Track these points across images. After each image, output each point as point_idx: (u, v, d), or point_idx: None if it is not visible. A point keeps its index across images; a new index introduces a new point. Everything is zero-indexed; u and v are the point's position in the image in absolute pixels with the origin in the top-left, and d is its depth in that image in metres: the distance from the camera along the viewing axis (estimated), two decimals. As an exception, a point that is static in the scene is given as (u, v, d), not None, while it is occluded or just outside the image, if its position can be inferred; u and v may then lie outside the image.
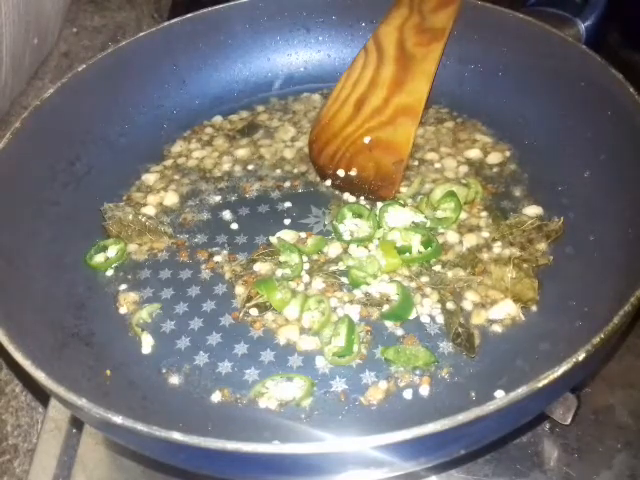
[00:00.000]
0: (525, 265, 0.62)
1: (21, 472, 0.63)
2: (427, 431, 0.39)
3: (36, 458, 0.59)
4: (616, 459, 0.56)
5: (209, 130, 0.81)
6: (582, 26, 0.73)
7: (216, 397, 0.56)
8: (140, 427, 0.40)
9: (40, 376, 0.45)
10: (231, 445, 0.39)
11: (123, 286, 0.66)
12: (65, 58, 0.95)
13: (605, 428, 0.58)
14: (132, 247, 0.69)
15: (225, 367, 0.58)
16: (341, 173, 0.73)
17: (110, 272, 0.67)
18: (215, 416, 0.55)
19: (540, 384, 0.40)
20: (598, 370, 0.61)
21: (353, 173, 0.73)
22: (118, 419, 0.41)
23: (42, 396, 0.68)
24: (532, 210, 0.67)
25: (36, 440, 0.61)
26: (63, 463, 0.59)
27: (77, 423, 0.61)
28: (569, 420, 0.54)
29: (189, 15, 0.82)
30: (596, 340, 0.42)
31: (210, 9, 0.82)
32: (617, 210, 0.61)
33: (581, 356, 0.41)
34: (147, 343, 0.61)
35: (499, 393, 0.52)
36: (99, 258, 0.67)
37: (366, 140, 0.74)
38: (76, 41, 0.98)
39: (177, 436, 0.40)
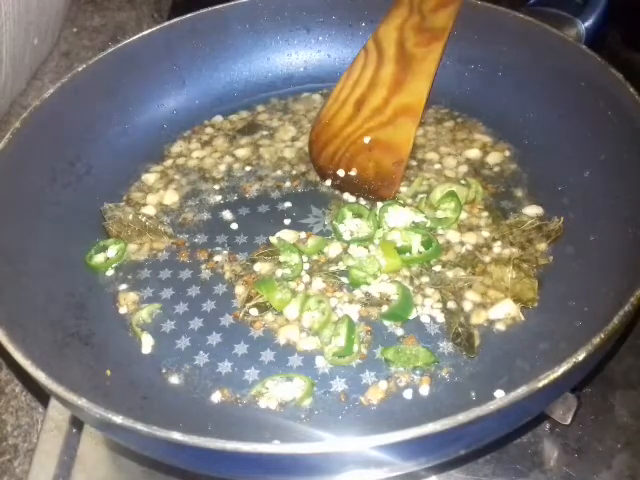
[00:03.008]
0: (525, 265, 0.62)
1: (21, 472, 0.63)
2: (427, 431, 0.39)
3: (36, 458, 0.59)
4: (616, 459, 0.56)
5: (209, 130, 0.81)
6: (582, 26, 0.73)
7: (216, 397, 0.56)
8: (140, 427, 0.40)
9: (40, 376, 0.45)
10: (231, 445, 0.39)
11: (123, 286, 0.66)
12: (65, 58, 0.95)
13: (605, 428, 0.58)
14: (132, 247, 0.69)
15: (225, 367, 0.58)
16: (341, 173, 0.73)
17: (110, 272, 0.67)
18: (215, 416, 0.55)
19: (540, 384, 0.40)
20: (598, 370, 0.61)
21: (353, 173, 0.73)
22: (118, 419, 0.41)
23: (42, 396, 0.68)
24: (532, 210, 0.67)
25: (36, 440, 0.61)
26: (63, 463, 0.59)
27: (77, 423, 0.61)
28: (569, 420, 0.54)
29: (189, 15, 0.82)
30: (596, 340, 0.42)
31: (210, 9, 0.82)
32: (617, 210, 0.61)
33: (581, 356, 0.41)
34: (147, 343, 0.60)
35: (499, 393, 0.52)
36: (99, 258, 0.67)
37: (366, 140, 0.74)
38: (76, 41, 0.99)
39: (177, 436, 0.40)
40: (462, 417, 0.39)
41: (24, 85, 0.88)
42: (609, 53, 0.73)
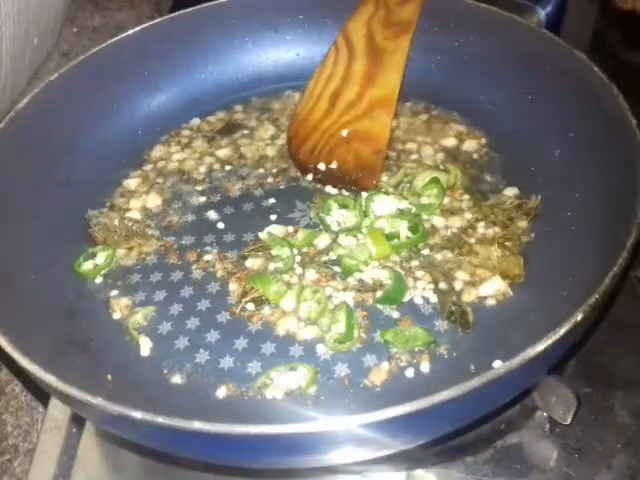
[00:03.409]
0: (509, 243, 0.65)
1: (21, 472, 0.62)
2: (442, 398, 0.40)
3: (36, 458, 0.58)
4: (616, 459, 0.56)
5: (186, 132, 0.81)
6: (542, 12, 0.77)
7: (221, 392, 0.56)
8: (162, 420, 0.41)
9: (51, 379, 0.45)
10: (253, 429, 0.40)
11: (114, 292, 0.65)
12: (65, 58, 0.94)
13: (605, 428, 0.58)
14: (120, 252, 0.68)
15: (227, 362, 0.59)
16: (322, 167, 0.74)
17: (99, 279, 0.66)
18: (223, 410, 0.55)
19: (543, 345, 0.42)
20: (580, 345, 0.63)
21: (334, 166, 0.74)
22: (138, 414, 0.41)
23: (42, 396, 0.67)
24: (510, 191, 0.69)
25: (36, 440, 0.60)
26: (63, 463, 0.58)
27: (77, 423, 0.60)
28: (569, 420, 0.55)
29: (158, 20, 0.82)
30: (592, 300, 0.45)
31: (179, 13, 0.82)
32: (590, 184, 0.64)
33: (579, 316, 0.44)
34: (145, 346, 0.60)
35: (497, 363, 0.54)
36: (88, 265, 0.67)
37: (344, 133, 0.76)
38: (76, 41, 0.98)
39: (198, 425, 0.40)
40: (474, 382, 0.40)
41: (24, 85, 0.87)
42: (609, 53, 0.75)
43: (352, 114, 0.77)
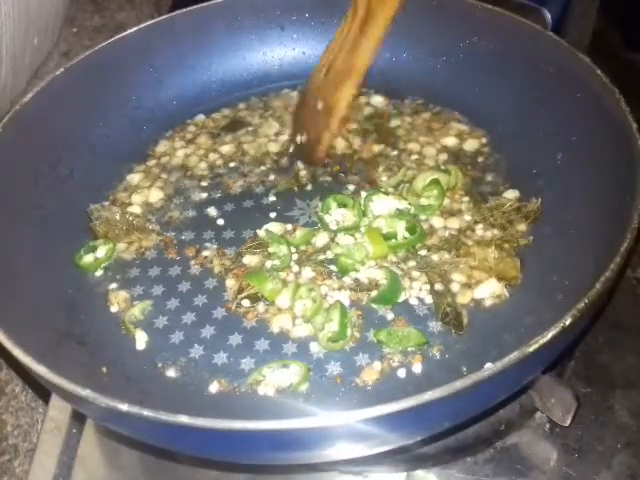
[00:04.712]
0: (506, 245, 0.64)
1: (21, 472, 0.63)
2: (427, 398, 0.40)
3: (36, 458, 0.59)
4: (616, 459, 0.56)
5: (191, 128, 0.82)
6: (548, 15, 0.76)
7: (214, 387, 0.57)
8: (147, 413, 0.41)
9: (42, 371, 0.45)
10: (237, 424, 0.40)
11: (113, 285, 0.66)
12: (65, 58, 0.95)
13: (605, 428, 0.58)
14: (120, 246, 0.69)
15: (221, 358, 0.59)
16: (298, 139, 0.76)
17: (99, 272, 0.67)
18: (214, 405, 0.55)
19: (531, 348, 0.42)
20: (577, 343, 0.63)
21: (304, 138, 0.75)
22: (124, 407, 0.42)
23: (43, 395, 0.68)
24: (511, 193, 0.69)
25: (36, 440, 0.61)
26: (63, 463, 0.59)
27: (77, 423, 0.61)
28: (568, 422, 0.55)
29: (165, 16, 0.83)
30: (581, 305, 0.44)
31: (185, 10, 0.83)
32: (590, 188, 0.64)
33: (568, 321, 0.43)
34: (141, 339, 0.61)
35: (488, 366, 0.53)
36: (88, 258, 0.67)
37: (319, 105, 0.75)
38: (76, 41, 0.99)
39: (184, 419, 0.41)
40: (469, 379, 0.41)
41: (24, 85, 0.88)
42: (609, 53, 0.74)
43: (325, 82, 0.75)
